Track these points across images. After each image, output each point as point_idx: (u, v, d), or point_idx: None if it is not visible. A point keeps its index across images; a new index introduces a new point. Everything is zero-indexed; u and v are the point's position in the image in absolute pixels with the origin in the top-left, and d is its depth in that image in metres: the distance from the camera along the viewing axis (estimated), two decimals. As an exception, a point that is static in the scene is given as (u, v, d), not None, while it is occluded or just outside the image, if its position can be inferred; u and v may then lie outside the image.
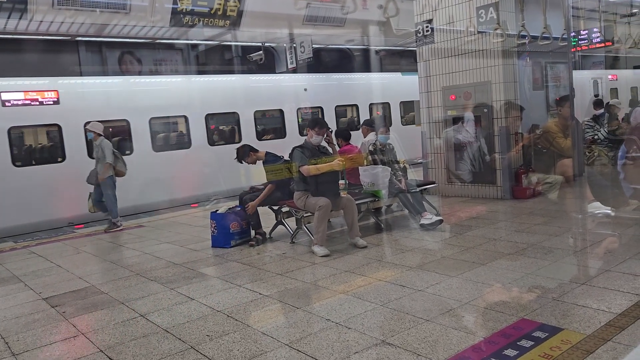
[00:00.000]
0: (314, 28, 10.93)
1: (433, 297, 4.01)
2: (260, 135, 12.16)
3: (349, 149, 7.21)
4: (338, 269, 5.00)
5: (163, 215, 9.42)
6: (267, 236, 6.63)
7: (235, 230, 6.37)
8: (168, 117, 11.17)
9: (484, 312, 3.65)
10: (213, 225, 6.43)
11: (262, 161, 6.76)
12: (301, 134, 12.07)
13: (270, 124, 12.76)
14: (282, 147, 7.61)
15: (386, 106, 14.62)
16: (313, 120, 6.12)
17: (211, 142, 11.53)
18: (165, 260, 5.97)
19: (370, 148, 7.04)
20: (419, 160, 9.42)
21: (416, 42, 9.02)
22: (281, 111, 12.64)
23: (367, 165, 6.88)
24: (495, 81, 7.88)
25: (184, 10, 8.31)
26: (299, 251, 5.93)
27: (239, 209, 6.56)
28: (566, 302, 3.68)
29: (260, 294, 4.45)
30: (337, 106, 13.71)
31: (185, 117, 11.08)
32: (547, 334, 3.18)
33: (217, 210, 6.52)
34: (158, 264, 5.83)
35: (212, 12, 8.74)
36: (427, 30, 8.72)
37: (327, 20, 10.75)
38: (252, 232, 6.54)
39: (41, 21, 8.43)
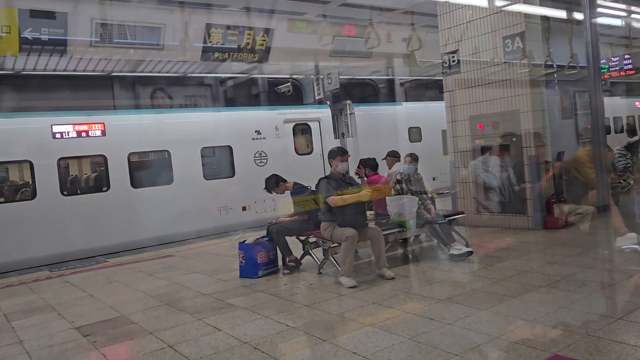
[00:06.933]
0: (340, 61, 11.14)
1: (462, 331, 3.93)
2: None
3: (376, 179, 7.20)
4: (365, 301, 4.95)
5: (192, 245, 9.54)
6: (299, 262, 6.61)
7: (262, 260, 6.40)
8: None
9: (515, 347, 3.55)
10: (241, 256, 6.48)
11: (290, 192, 6.83)
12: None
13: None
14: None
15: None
16: (333, 150, 6.15)
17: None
18: (193, 290, 6.03)
19: (398, 177, 7.03)
20: (447, 191, 9.34)
21: (442, 72, 9.07)
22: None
23: (394, 195, 6.86)
24: (524, 110, 7.82)
25: (214, 46, 8.63)
26: (326, 282, 5.91)
27: (267, 239, 6.60)
28: (602, 337, 3.56)
29: (287, 325, 4.44)
30: None
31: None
32: (581, 372, 3.08)
33: (245, 240, 6.58)
34: (187, 294, 5.90)
35: (241, 46, 9.04)
36: (453, 61, 8.77)
37: (353, 52, 10.94)
38: (283, 261, 6.57)
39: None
